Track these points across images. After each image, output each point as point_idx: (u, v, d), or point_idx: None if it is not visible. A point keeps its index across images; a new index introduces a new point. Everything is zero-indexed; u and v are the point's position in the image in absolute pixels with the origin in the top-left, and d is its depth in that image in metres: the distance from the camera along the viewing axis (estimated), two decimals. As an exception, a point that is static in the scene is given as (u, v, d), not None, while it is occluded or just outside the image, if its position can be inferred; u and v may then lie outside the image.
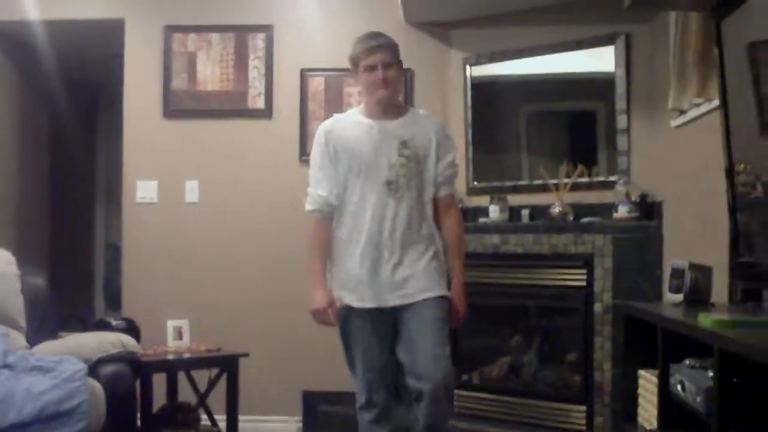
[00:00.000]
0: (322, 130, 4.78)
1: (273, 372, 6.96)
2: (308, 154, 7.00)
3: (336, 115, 4.94)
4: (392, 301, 4.62)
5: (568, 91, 6.79)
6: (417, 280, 4.61)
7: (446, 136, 4.88)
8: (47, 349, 5.63)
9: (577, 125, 6.74)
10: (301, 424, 6.97)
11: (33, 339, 5.82)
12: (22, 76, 8.20)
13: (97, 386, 5.29)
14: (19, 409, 4.83)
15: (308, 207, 4.74)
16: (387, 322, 4.67)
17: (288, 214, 6.63)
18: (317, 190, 4.71)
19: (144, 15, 7.33)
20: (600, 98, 6.40)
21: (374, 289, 4.62)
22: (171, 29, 7.35)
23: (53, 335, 5.94)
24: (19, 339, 5.74)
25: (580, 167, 6.30)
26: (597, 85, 6.45)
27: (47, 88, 8.60)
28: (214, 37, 7.23)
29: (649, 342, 4.08)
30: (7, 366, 5.18)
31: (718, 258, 4.26)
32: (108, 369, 5.43)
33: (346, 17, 7.11)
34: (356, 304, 4.66)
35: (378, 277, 4.61)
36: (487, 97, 6.97)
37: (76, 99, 9.46)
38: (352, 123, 4.76)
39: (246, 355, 6.23)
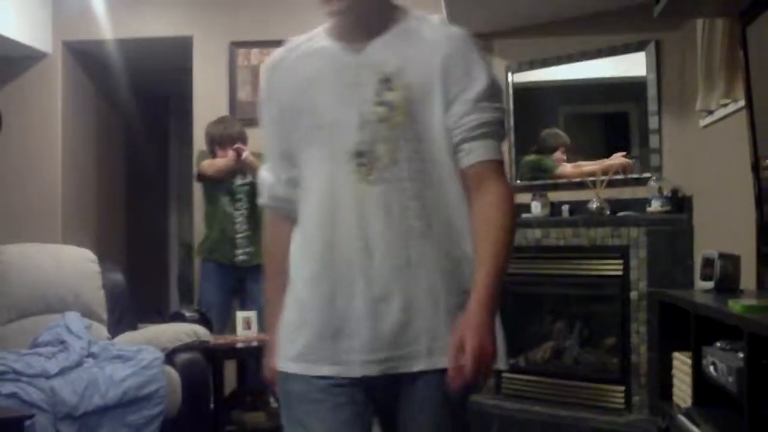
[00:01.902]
0: (264, 68, 2.67)
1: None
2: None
3: (290, 41, 2.63)
4: (369, 367, 2.37)
5: (602, 94, 6.78)
6: (421, 328, 2.37)
7: (468, 50, 2.46)
8: (127, 339, 5.71)
9: (612, 126, 6.72)
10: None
11: (114, 330, 5.90)
12: (99, 91, 8.31)
13: (173, 373, 5.36)
14: (103, 394, 4.90)
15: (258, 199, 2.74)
16: (361, 405, 2.41)
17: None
18: (263, 172, 2.68)
19: (210, 33, 7.41)
20: (632, 100, 6.37)
21: (333, 341, 2.39)
22: (236, 45, 7.43)
23: (132, 327, 6.02)
24: (101, 330, 5.83)
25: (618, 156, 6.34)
26: (630, 89, 6.41)
27: (122, 101, 8.70)
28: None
29: (683, 326, 4.07)
30: (91, 355, 5.26)
31: (746, 247, 4.24)
32: (183, 357, 5.50)
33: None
34: (297, 367, 2.45)
35: (343, 321, 2.38)
36: (528, 102, 6.96)
37: (149, 110, 9.58)
38: (310, 52, 2.54)
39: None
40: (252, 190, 6.54)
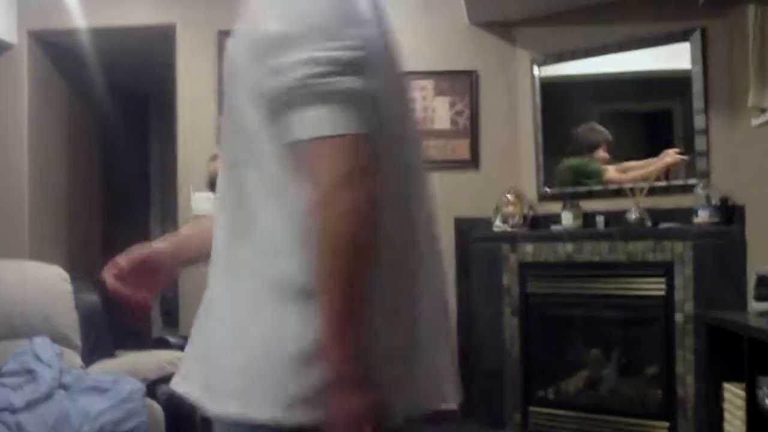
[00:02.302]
0: None
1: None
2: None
3: None
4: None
5: (641, 90, 6.76)
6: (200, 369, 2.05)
7: None
8: (103, 368, 5.70)
9: (653, 125, 6.72)
10: None
11: (88, 358, 5.89)
12: (71, 86, 8.32)
13: (156, 406, 5.35)
14: (77, 429, 4.89)
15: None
16: None
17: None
18: None
19: (196, 20, 7.41)
20: (675, 97, 6.38)
21: None
22: (225, 34, 7.42)
23: (109, 354, 6.00)
24: (74, 358, 5.81)
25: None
26: (672, 84, 6.42)
27: (97, 98, 8.71)
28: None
29: (735, 353, 4.08)
30: (63, 386, 5.26)
31: (806, 264, 4.24)
32: (166, 389, 5.49)
33: (409, 18, 7.13)
34: None
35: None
36: (557, 99, 6.97)
37: (127, 107, 9.58)
38: None
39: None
40: None
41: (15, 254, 6.44)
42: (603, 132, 6.67)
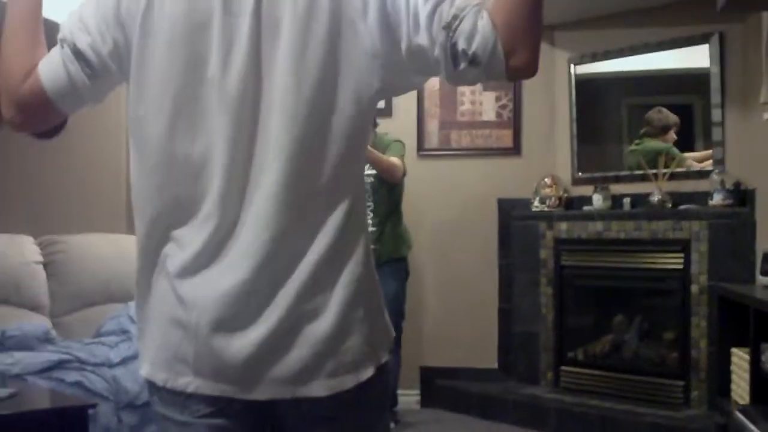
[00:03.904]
0: None
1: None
2: (425, 150, 7.10)
3: None
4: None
5: (666, 86, 6.72)
6: None
7: None
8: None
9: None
10: (419, 397, 7.03)
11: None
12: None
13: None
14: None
15: None
16: None
17: (408, 206, 6.61)
18: None
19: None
20: (696, 92, 6.33)
21: None
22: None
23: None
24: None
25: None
26: (693, 81, 6.37)
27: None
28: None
29: (742, 322, 4.05)
30: None
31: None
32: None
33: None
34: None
35: None
36: (590, 94, 6.92)
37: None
38: None
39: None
40: (379, 183, 6.06)
41: (114, 229, 6.48)
42: (672, 116, 6.50)
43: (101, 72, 1.86)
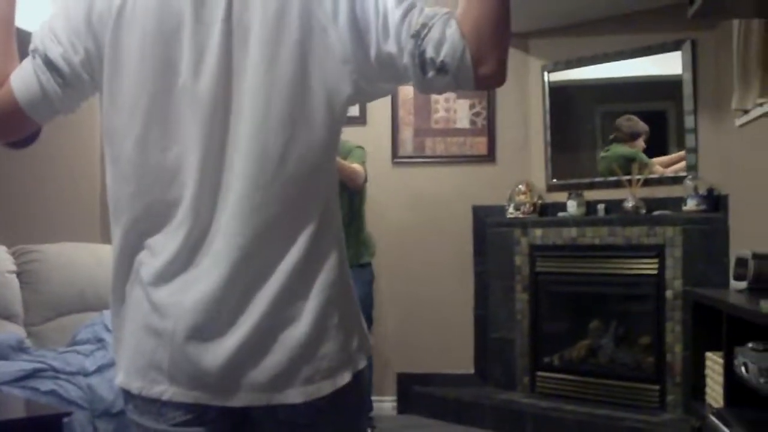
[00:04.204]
0: None
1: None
2: (400, 157, 7.11)
3: None
4: None
5: (639, 92, 6.76)
6: None
7: None
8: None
9: (650, 124, 6.67)
10: (396, 403, 7.03)
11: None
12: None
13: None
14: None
15: None
16: None
17: (381, 212, 6.64)
18: None
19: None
20: (669, 99, 6.36)
21: None
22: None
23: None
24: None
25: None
26: (666, 87, 6.40)
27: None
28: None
29: (716, 326, 4.07)
30: None
31: (780, 247, 4.23)
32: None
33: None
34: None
35: None
36: (564, 101, 6.96)
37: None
38: None
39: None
40: (341, 189, 5.89)
41: (88, 238, 6.46)
42: (642, 124, 6.55)
43: (73, 81, 1.86)
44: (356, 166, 5.92)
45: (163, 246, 1.81)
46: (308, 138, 1.80)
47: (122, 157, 1.83)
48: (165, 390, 1.83)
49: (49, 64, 1.84)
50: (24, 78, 1.87)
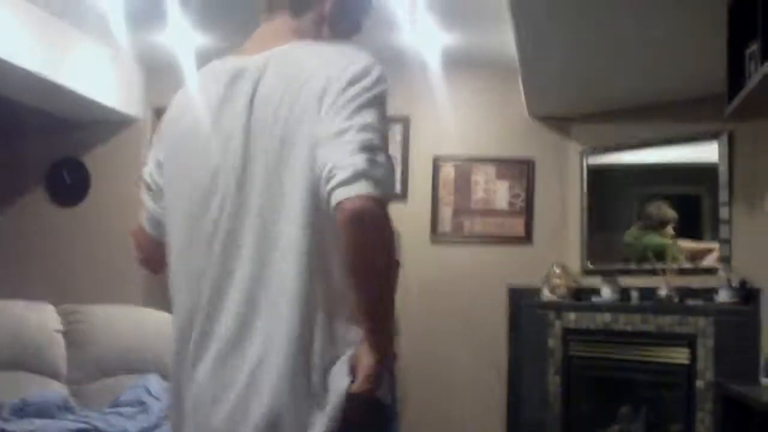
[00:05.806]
0: None
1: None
2: (439, 235, 7.22)
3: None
4: None
5: (675, 178, 6.88)
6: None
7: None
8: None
9: (684, 208, 6.74)
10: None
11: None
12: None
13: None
14: None
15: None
16: None
17: (420, 290, 6.72)
18: None
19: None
20: (704, 184, 6.46)
21: None
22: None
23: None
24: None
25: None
26: (702, 173, 6.49)
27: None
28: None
29: (746, 419, 4.12)
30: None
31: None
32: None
33: (474, 110, 7.27)
34: None
35: None
36: (602, 184, 7.08)
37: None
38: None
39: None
40: None
41: (132, 301, 6.59)
42: (671, 211, 6.65)
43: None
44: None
45: None
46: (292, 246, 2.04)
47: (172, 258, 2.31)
48: None
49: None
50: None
